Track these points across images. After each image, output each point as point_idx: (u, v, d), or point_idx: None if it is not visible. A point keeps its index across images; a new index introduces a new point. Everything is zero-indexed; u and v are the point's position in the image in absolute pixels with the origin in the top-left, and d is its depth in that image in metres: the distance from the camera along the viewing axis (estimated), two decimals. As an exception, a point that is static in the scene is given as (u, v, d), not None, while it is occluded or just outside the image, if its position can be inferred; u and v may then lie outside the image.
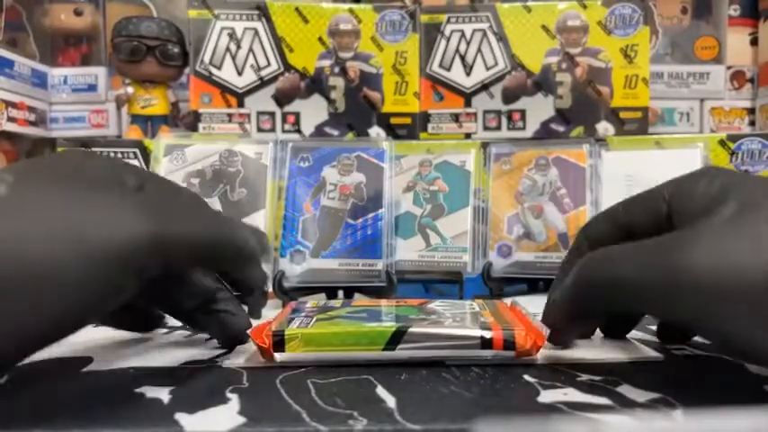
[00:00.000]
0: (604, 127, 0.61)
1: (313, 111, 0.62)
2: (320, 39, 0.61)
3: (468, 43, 0.62)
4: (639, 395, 0.22)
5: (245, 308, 0.30)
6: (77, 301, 0.19)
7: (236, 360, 0.27)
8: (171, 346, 0.31)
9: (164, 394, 0.22)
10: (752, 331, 0.18)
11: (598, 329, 0.31)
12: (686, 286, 0.19)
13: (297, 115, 0.62)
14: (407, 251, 0.48)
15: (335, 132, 0.62)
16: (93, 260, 0.19)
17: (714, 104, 0.67)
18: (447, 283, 0.48)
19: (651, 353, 0.28)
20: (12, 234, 0.18)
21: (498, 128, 0.62)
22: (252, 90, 0.62)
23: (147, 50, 0.59)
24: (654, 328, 0.33)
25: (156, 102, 0.62)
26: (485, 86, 0.62)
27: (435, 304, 0.32)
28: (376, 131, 0.62)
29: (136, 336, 0.34)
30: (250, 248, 0.26)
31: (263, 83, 0.62)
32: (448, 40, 0.62)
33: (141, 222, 0.20)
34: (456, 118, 0.62)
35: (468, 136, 0.62)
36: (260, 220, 0.43)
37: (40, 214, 0.19)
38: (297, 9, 0.61)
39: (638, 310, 0.24)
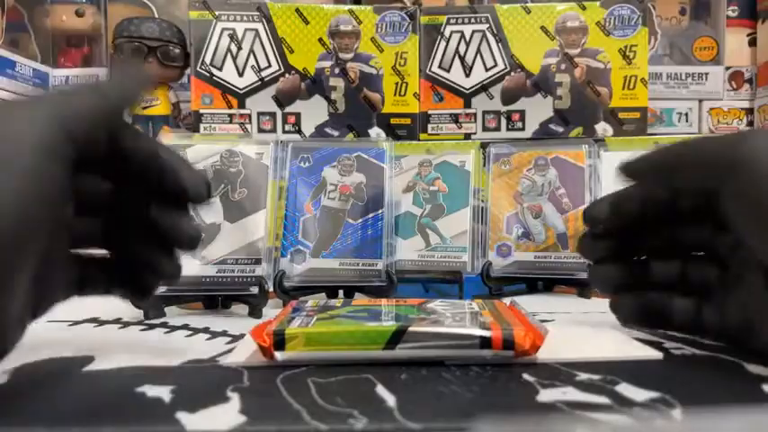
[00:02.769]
0: (603, 127, 0.61)
1: (313, 111, 0.62)
2: (320, 40, 0.61)
3: (468, 44, 0.62)
4: (638, 394, 0.22)
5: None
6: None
7: (237, 359, 0.28)
8: (171, 346, 0.31)
9: (165, 393, 0.23)
10: None
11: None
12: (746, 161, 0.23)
13: (297, 116, 0.62)
14: (407, 251, 0.48)
15: (336, 133, 0.62)
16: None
17: (713, 105, 0.68)
18: (447, 282, 0.48)
19: (650, 352, 0.28)
20: None
21: (498, 128, 0.62)
22: (252, 91, 0.62)
23: (148, 51, 0.59)
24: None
25: (157, 102, 0.63)
26: (484, 87, 0.62)
27: (435, 304, 0.32)
28: (376, 132, 0.62)
29: (137, 335, 0.34)
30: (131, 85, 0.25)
31: (263, 84, 0.62)
32: (447, 41, 0.62)
33: (32, 110, 0.21)
34: (456, 118, 0.62)
35: (467, 136, 0.62)
36: (261, 220, 0.43)
37: None
38: (297, 10, 0.61)
39: (694, 179, 0.27)
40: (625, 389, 0.22)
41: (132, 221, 0.27)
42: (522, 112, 0.62)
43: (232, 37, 0.61)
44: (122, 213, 0.27)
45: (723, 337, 0.29)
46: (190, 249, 0.27)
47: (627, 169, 0.30)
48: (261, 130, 0.62)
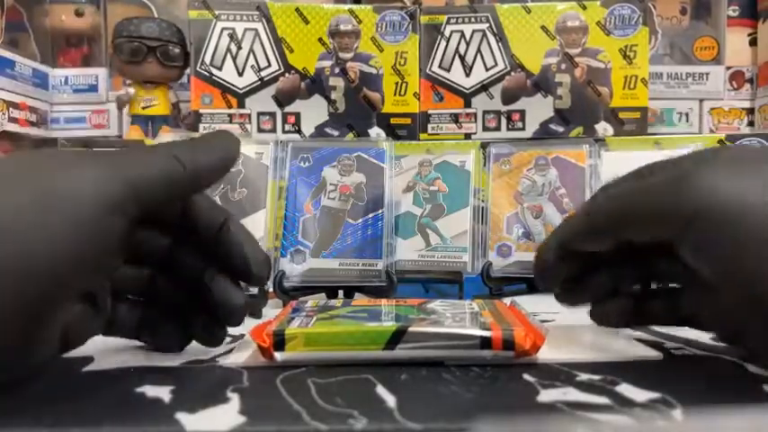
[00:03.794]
0: (603, 127, 0.61)
1: (313, 111, 0.62)
2: (320, 39, 0.61)
3: (468, 44, 0.62)
4: (639, 395, 0.22)
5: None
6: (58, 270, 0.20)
7: (237, 359, 0.28)
8: (171, 346, 0.31)
9: (164, 394, 0.23)
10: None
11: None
12: (707, 208, 0.21)
13: (297, 116, 0.62)
14: (407, 251, 0.48)
15: (336, 133, 0.62)
16: (64, 217, 0.20)
17: (713, 105, 0.68)
18: (447, 282, 0.48)
19: (651, 352, 0.28)
20: None
21: (498, 128, 0.62)
22: (252, 90, 0.62)
23: (147, 51, 0.59)
24: (655, 328, 0.33)
25: (156, 102, 0.63)
26: (484, 87, 0.62)
27: (435, 304, 0.32)
28: (376, 132, 0.62)
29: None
30: (220, 152, 0.25)
31: (263, 83, 0.62)
32: (448, 40, 0.62)
33: (100, 167, 0.21)
34: (456, 118, 0.62)
35: (467, 136, 0.62)
36: (260, 220, 0.43)
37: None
38: (297, 10, 0.61)
39: (648, 234, 0.24)
40: (625, 389, 0.22)
41: (182, 280, 0.27)
42: (522, 112, 0.62)
43: (232, 37, 0.61)
44: (174, 271, 0.27)
45: (705, 328, 0.28)
46: (236, 323, 0.28)
47: (563, 246, 0.27)
48: (261, 130, 0.62)
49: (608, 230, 0.26)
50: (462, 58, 0.62)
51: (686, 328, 0.31)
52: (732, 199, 0.21)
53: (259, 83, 0.62)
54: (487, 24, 0.61)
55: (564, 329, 0.33)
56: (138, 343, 0.29)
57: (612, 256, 0.27)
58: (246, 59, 0.61)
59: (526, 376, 0.24)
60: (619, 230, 0.26)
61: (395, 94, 0.62)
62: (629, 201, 0.25)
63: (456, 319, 0.28)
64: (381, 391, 0.23)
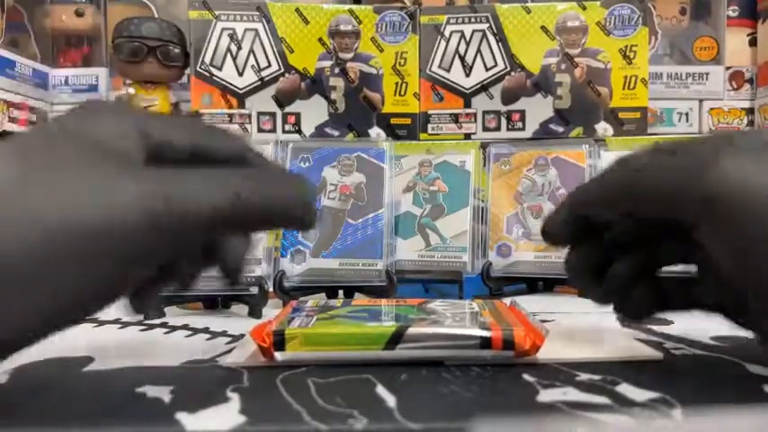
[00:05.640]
0: (603, 127, 0.61)
1: (313, 111, 0.62)
2: (320, 39, 0.61)
3: (468, 44, 0.62)
4: (639, 395, 0.22)
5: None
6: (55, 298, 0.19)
7: (237, 359, 0.28)
8: (171, 346, 0.31)
9: (164, 394, 0.23)
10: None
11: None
12: (722, 194, 0.21)
13: (297, 116, 0.62)
14: (407, 251, 0.48)
15: (336, 133, 0.62)
16: (67, 253, 0.18)
17: (713, 105, 0.67)
18: (447, 282, 0.48)
19: (651, 352, 0.28)
20: None
21: (498, 128, 0.62)
22: (252, 91, 0.62)
23: (148, 51, 0.59)
24: (655, 328, 0.33)
25: (156, 102, 0.62)
26: (484, 87, 0.62)
27: (435, 304, 0.32)
28: (376, 132, 0.62)
29: (137, 335, 0.34)
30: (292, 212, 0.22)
31: (263, 83, 0.62)
32: (447, 40, 0.62)
33: (133, 199, 0.18)
34: (456, 118, 0.62)
35: (467, 136, 0.62)
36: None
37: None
38: (297, 10, 0.61)
39: (661, 211, 0.24)
40: (625, 389, 0.22)
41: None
42: (522, 112, 0.62)
43: (232, 37, 0.61)
44: None
45: (719, 310, 0.27)
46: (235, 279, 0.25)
47: (573, 208, 0.27)
48: (261, 130, 0.62)
49: (620, 201, 0.25)
50: (462, 59, 0.62)
51: (687, 327, 0.31)
52: (754, 183, 0.21)
53: (259, 83, 0.62)
54: (487, 24, 0.61)
55: (564, 329, 0.33)
56: (137, 343, 0.29)
57: (623, 237, 0.27)
58: (246, 59, 0.61)
59: (526, 376, 0.24)
60: (631, 203, 0.25)
61: (395, 95, 0.62)
62: (647, 176, 0.24)
63: (456, 319, 0.28)
64: (381, 391, 0.23)
